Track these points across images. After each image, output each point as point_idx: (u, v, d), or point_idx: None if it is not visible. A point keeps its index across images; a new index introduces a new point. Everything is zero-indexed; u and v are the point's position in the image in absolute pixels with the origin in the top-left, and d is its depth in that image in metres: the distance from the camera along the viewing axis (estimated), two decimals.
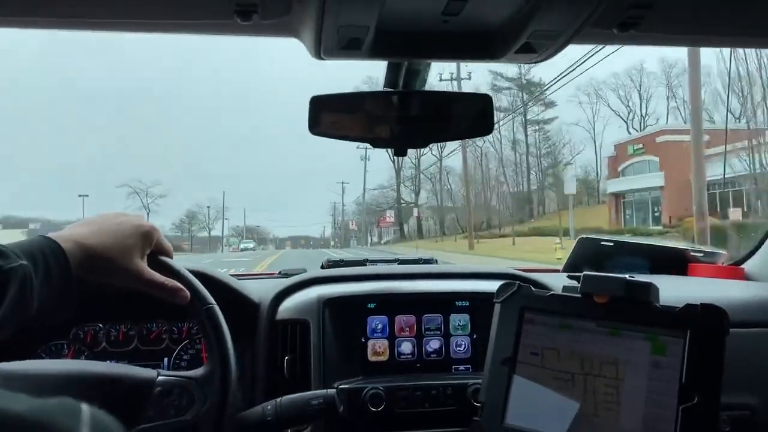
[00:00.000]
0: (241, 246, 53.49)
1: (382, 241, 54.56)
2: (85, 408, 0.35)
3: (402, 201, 53.94)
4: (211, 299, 0.86)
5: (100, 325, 1.15)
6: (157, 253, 0.84)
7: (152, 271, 0.81)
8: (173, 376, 0.84)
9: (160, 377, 0.83)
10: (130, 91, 78.35)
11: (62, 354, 1.13)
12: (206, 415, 0.82)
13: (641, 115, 45.98)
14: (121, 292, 0.82)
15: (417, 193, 53.83)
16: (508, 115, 42.85)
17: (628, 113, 46.41)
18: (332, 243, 70.11)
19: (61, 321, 1.12)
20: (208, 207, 62.49)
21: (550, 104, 46.29)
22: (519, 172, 48.77)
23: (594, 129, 47.25)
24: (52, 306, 0.70)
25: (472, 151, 43.34)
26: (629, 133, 43.01)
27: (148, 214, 49.41)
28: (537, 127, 49.28)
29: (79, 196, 48.48)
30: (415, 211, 42.15)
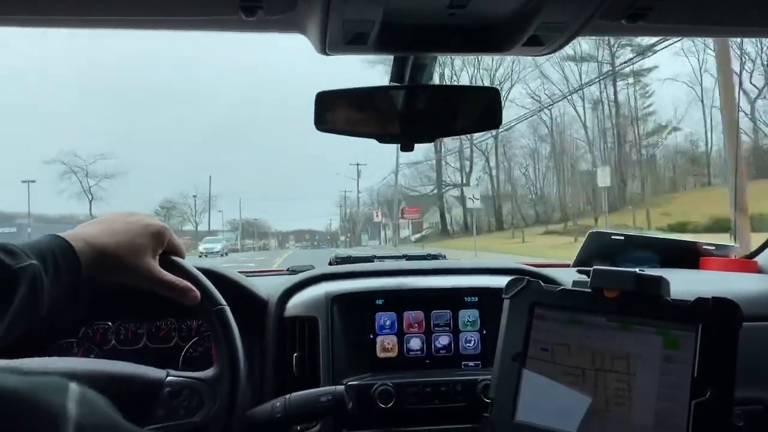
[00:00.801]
0: (202, 247, 34.16)
1: (413, 238, 40.09)
2: (72, 385, 0.36)
3: (444, 183, 40.11)
4: (222, 300, 0.85)
5: (110, 324, 1.16)
6: (169, 253, 0.84)
7: (163, 271, 0.80)
8: (183, 377, 0.84)
9: (169, 377, 0.83)
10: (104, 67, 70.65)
11: (72, 352, 1.13)
12: (215, 417, 0.81)
13: (764, 64, 27.49)
14: (131, 291, 0.82)
15: (468, 172, 37.92)
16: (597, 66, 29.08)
17: (742, 63, 30.14)
18: (342, 239, 63.19)
19: (71, 320, 1.13)
20: (194, 196, 50.34)
21: (648, 50, 26.30)
22: (603, 143, 33.10)
23: (701, 85, 31.11)
24: (62, 305, 0.70)
25: (537, 119, 32.68)
26: (742, 90, 27.46)
27: (90, 202, 39.64)
28: (631, 81, 32.81)
29: (23, 181, 38.72)
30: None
